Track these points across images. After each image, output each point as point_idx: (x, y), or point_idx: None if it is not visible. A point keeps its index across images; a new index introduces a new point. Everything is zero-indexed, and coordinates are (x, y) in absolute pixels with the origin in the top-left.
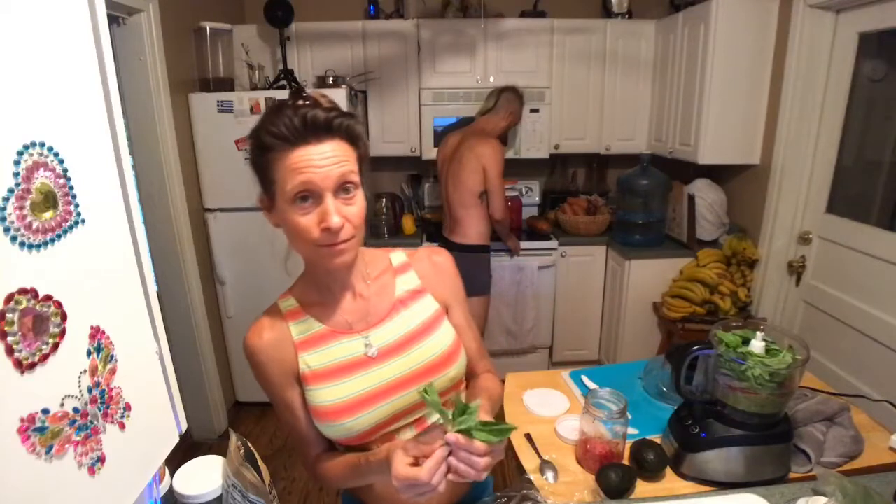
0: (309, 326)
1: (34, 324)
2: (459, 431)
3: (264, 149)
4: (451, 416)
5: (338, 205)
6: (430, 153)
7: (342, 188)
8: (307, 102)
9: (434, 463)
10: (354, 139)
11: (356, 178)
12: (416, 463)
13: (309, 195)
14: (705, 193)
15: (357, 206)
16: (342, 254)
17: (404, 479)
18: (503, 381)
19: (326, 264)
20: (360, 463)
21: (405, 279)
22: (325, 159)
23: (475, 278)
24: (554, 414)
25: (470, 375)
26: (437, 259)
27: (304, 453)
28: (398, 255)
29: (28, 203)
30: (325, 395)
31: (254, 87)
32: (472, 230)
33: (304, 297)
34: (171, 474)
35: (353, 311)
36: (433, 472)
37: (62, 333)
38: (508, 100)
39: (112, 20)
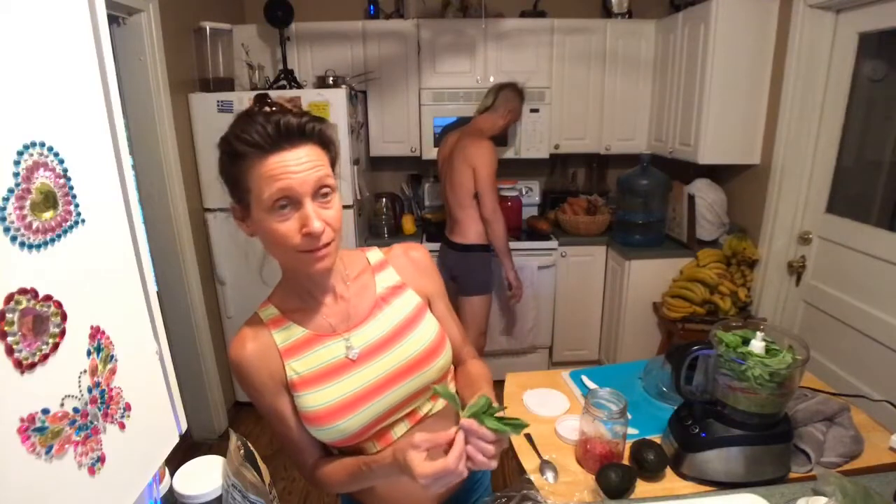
0: (292, 332)
1: (34, 324)
2: (470, 417)
3: (236, 157)
4: (461, 405)
5: (316, 209)
6: (430, 153)
7: (320, 193)
8: (275, 109)
9: (459, 450)
10: (326, 143)
11: (333, 181)
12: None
13: (287, 202)
14: (705, 193)
15: (335, 209)
16: (324, 258)
17: (433, 474)
18: (502, 381)
19: (308, 270)
20: (360, 469)
21: (384, 276)
22: (301, 164)
23: (475, 278)
24: (554, 414)
25: (456, 363)
26: (414, 254)
27: (299, 461)
28: (375, 254)
29: (28, 203)
30: (314, 399)
31: (254, 87)
32: (471, 230)
33: (284, 305)
34: (171, 474)
35: (335, 314)
36: (459, 458)
37: (62, 333)
38: (507, 97)
39: (112, 20)
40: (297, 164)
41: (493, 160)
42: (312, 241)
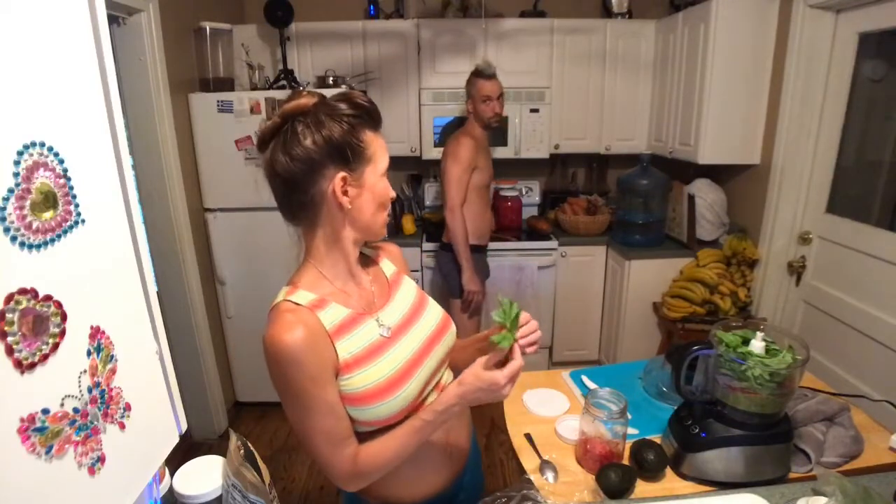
0: (337, 313)
1: (34, 324)
2: (512, 324)
3: (363, 125)
4: (507, 323)
5: None
6: (430, 153)
7: None
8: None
9: (517, 352)
10: None
11: None
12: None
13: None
14: (705, 193)
15: None
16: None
17: (510, 374)
18: None
19: (382, 231)
20: (416, 426)
21: (385, 265)
22: None
23: (458, 278)
24: (554, 414)
25: None
26: (393, 248)
27: (339, 458)
28: (367, 249)
29: (28, 203)
30: (366, 377)
31: (254, 87)
32: None
33: (316, 290)
34: (171, 474)
35: (361, 297)
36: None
37: (62, 333)
38: (467, 88)
39: (112, 20)
40: None
41: (459, 155)
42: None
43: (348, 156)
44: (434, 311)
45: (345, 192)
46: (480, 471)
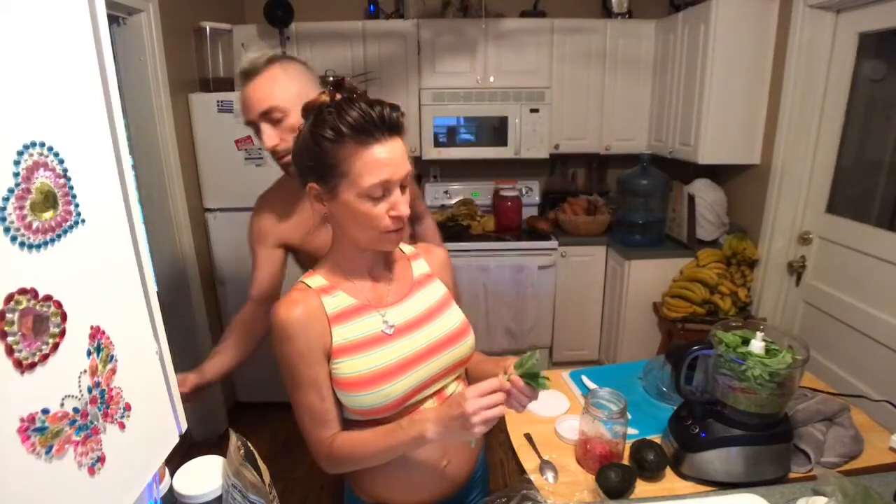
0: (341, 301)
1: (34, 324)
2: (522, 376)
3: (338, 140)
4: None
5: (402, 196)
6: (431, 153)
7: (403, 182)
8: (374, 99)
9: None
10: (403, 135)
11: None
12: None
13: (384, 191)
14: (705, 193)
15: (408, 196)
16: (400, 237)
17: (480, 398)
18: None
19: (384, 246)
20: (395, 428)
21: (418, 265)
22: (397, 157)
23: None
24: (554, 414)
25: None
26: (438, 252)
27: (318, 435)
28: (406, 247)
29: (28, 203)
30: (356, 365)
31: None
32: None
33: (330, 277)
34: (171, 474)
35: (375, 291)
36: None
37: (62, 333)
38: None
39: (112, 20)
40: (394, 157)
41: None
42: (398, 222)
43: (315, 167)
44: (452, 318)
45: (319, 201)
46: (486, 485)
